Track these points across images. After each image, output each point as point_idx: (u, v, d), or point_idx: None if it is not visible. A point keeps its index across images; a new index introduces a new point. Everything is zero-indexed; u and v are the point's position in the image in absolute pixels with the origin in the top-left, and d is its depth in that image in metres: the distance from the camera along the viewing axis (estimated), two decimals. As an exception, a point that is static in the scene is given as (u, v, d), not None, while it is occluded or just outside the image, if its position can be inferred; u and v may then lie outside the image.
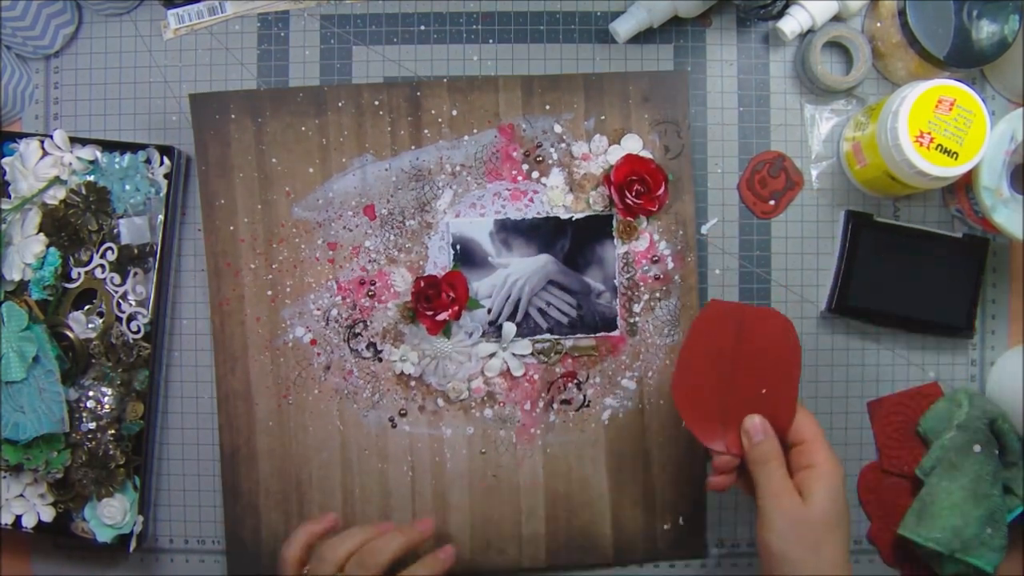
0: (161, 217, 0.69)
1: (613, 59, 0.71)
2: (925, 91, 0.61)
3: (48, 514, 0.68)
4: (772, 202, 0.71)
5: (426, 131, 0.69)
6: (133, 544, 0.68)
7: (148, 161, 0.69)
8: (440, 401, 0.69)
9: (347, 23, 0.71)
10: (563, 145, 0.69)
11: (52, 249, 0.67)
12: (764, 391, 0.60)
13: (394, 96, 0.69)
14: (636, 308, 0.69)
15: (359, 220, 0.69)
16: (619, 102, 0.69)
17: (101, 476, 0.67)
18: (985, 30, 0.64)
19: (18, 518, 0.68)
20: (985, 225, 0.66)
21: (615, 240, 0.69)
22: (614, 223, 0.69)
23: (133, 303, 0.69)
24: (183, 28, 0.71)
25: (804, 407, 0.60)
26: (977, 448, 0.65)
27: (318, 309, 0.69)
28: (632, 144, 0.69)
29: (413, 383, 0.69)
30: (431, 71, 0.71)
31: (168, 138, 0.71)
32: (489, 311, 0.69)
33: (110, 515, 0.67)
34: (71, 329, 0.69)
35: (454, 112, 0.69)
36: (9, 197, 0.68)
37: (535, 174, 0.69)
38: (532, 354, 0.69)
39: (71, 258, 0.68)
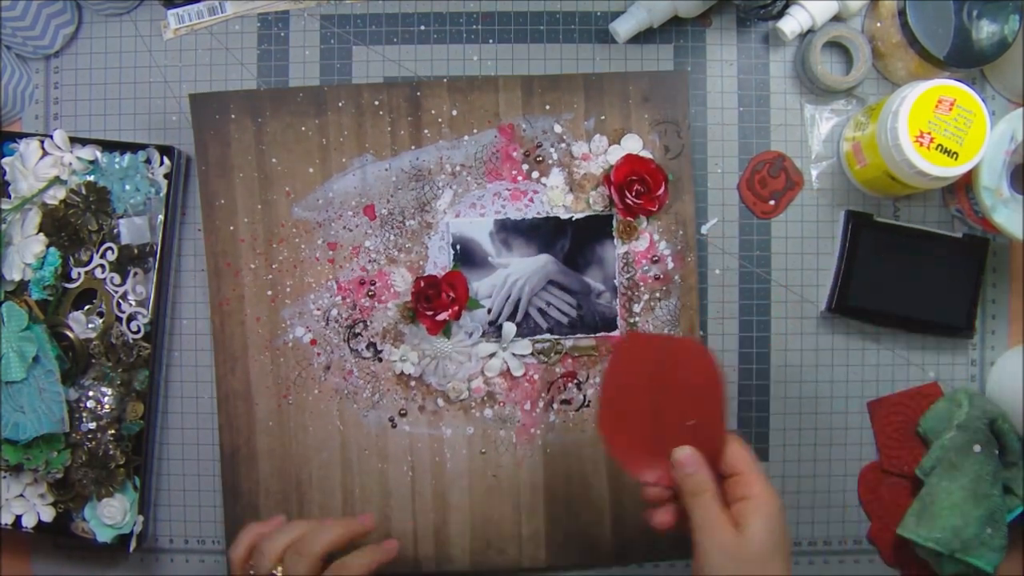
0: (161, 217, 0.69)
1: (613, 59, 0.71)
2: (925, 91, 0.61)
3: (48, 514, 0.68)
4: (772, 202, 0.71)
5: (426, 131, 0.69)
6: (133, 544, 0.68)
7: (148, 161, 0.69)
8: (440, 401, 0.69)
9: (347, 23, 0.71)
10: (563, 145, 0.69)
11: (52, 249, 0.67)
12: (692, 423, 0.60)
13: (394, 96, 0.69)
14: (636, 308, 0.69)
15: (359, 220, 0.69)
16: (619, 102, 0.69)
17: (101, 476, 0.67)
18: (985, 30, 0.64)
19: (18, 518, 0.68)
20: (985, 225, 0.66)
21: (615, 240, 0.69)
22: (614, 223, 0.69)
23: (133, 303, 0.69)
24: (183, 28, 0.71)
25: (737, 438, 0.60)
26: (977, 448, 0.65)
27: (318, 309, 0.69)
28: (632, 144, 0.69)
29: (413, 383, 0.69)
30: (431, 71, 0.71)
31: (168, 138, 0.71)
32: (489, 311, 0.69)
33: (110, 515, 0.67)
34: (71, 329, 0.69)
35: (454, 112, 0.69)
36: (9, 197, 0.68)
37: (535, 174, 0.69)
38: (532, 354, 0.69)
39: (71, 258, 0.68)
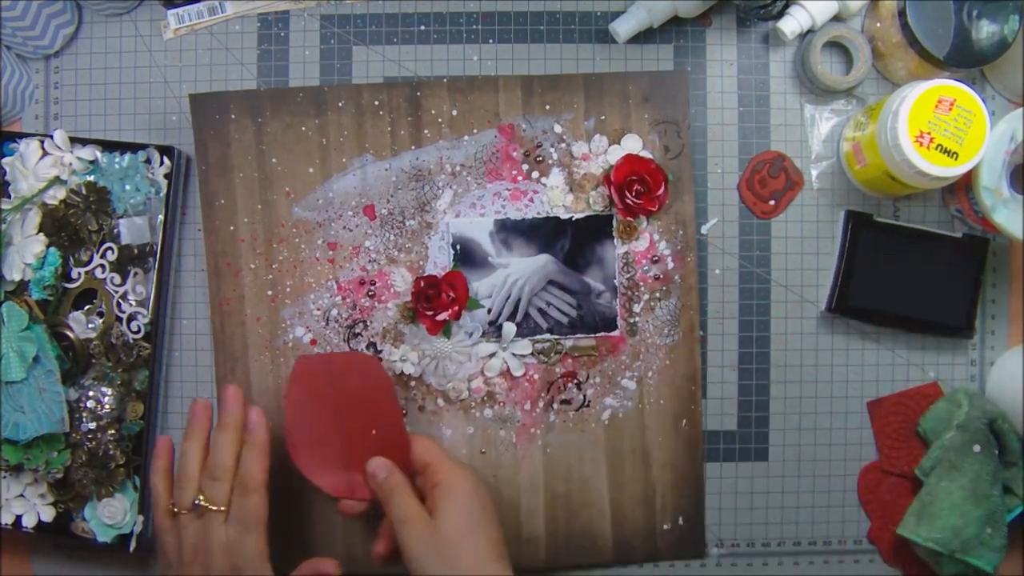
0: (161, 217, 0.69)
1: (613, 59, 0.71)
2: (925, 91, 0.61)
3: (48, 514, 0.68)
4: (772, 202, 0.71)
5: (426, 131, 0.69)
6: (133, 544, 0.68)
7: (148, 161, 0.69)
8: (440, 401, 0.69)
9: (347, 23, 0.71)
10: (563, 145, 0.69)
11: (52, 249, 0.68)
12: (374, 431, 0.62)
13: (394, 96, 0.69)
14: (636, 308, 0.69)
15: (359, 220, 0.69)
16: (619, 102, 0.69)
17: (101, 476, 0.67)
18: (985, 30, 0.64)
19: (18, 518, 0.68)
20: (985, 225, 0.66)
21: (615, 240, 0.69)
22: (614, 223, 0.69)
23: (133, 303, 0.69)
24: (183, 28, 0.71)
25: (420, 435, 0.63)
26: (977, 448, 0.65)
27: (318, 309, 0.69)
28: (632, 144, 0.69)
29: (413, 383, 0.69)
30: (431, 71, 0.71)
31: (168, 138, 0.71)
32: (489, 311, 0.69)
33: (110, 515, 0.68)
34: (71, 329, 0.69)
35: (454, 112, 0.69)
36: (9, 197, 0.68)
37: (535, 174, 0.69)
38: (532, 354, 0.69)
39: (71, 258, 0.68)
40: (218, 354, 0.70)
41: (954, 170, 0.61)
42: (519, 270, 0.69)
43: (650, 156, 0.69)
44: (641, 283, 0.69)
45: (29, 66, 0.71)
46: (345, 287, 0.69)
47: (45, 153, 0.68)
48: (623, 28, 0.68)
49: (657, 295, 0.69)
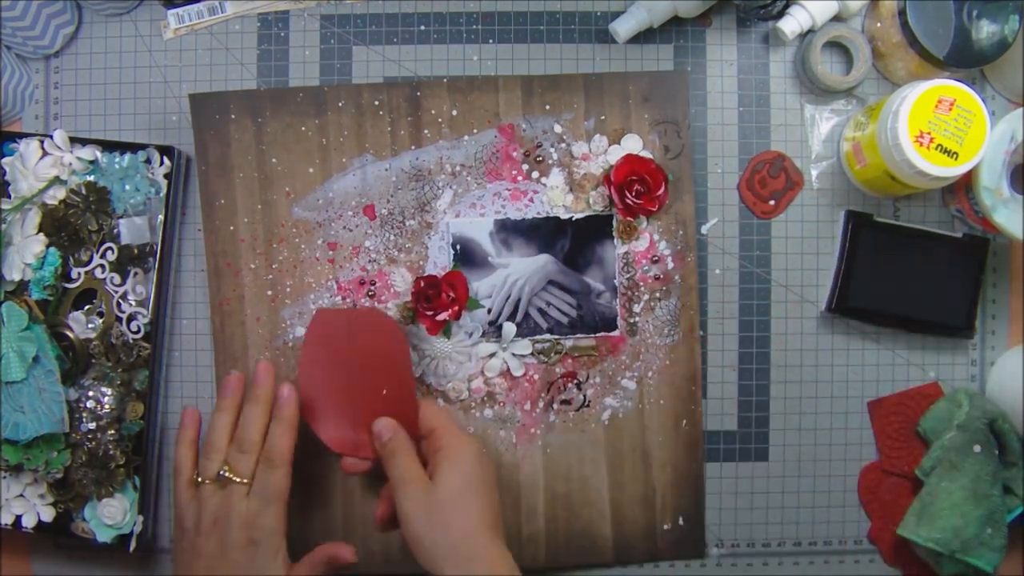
0: (161, 217, 0.69)
1: (613, 59, 0.71)
2: (925, 91, 0.61)
3: (48, 514, 0.68)
4: (772, 202, 0.71)
5: (426, 131, 0.69)
6: (133, 544, 0.68)
7: (148, 161, 0.69)
8: (440, 401, 0.69)
9: (347, 23, 0.71)
10: (563, 145, 0.69)
11: (52, 249, 0.67)
12: (385, 391, 0.62)
13: (394, 96, 0.69)
14: (636, 308, 0.69)
15: (359, 220, 0.69)
16: (619, 102, 0.69)
17: (101, 476, 0.67)
18: (985, 30, 0.64)
19: (18, 518, 0.68)
20: (985, 225, 0.66)
21: (615, 240, 0.69)
22: (614, 223, 0.69)
23: (133, 303, 0.69)
24: (183, 28, 0.71)
25: (429, 399, 0.62)
26: (977, 448, 0.65)
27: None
28: (632, 144, 0.69)
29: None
30: (431, 71, 0.71)
31: (168, 138, 0.71)
32: (489, 311, 0.69)
33: (110, 515, 0.67)
34: (71, 329, 0.69)
35: (454, 112, 0.69)
36: (9, 197, 0.68)
37: (535, 174, 0.69)
38: (532, 354, 0.69)
39: (71, 258, 0.68)
40: (218, 354, 0.70)
41: (954, 170, 0.61)
42: (519, 270, 0.69)
43: (650, 156, 0.69)
44: (641, 283, 0.69)
45: (29, 66, 0.71)
46: (345, 287, 0.69)
47: (45, 153, 0.68)
48: (623, 28, 0.68)
49: (657, 295, 0.69)
